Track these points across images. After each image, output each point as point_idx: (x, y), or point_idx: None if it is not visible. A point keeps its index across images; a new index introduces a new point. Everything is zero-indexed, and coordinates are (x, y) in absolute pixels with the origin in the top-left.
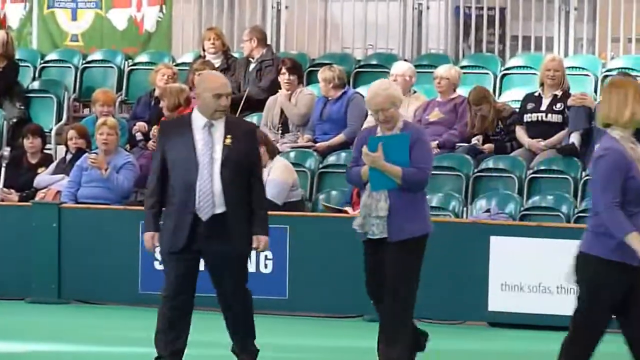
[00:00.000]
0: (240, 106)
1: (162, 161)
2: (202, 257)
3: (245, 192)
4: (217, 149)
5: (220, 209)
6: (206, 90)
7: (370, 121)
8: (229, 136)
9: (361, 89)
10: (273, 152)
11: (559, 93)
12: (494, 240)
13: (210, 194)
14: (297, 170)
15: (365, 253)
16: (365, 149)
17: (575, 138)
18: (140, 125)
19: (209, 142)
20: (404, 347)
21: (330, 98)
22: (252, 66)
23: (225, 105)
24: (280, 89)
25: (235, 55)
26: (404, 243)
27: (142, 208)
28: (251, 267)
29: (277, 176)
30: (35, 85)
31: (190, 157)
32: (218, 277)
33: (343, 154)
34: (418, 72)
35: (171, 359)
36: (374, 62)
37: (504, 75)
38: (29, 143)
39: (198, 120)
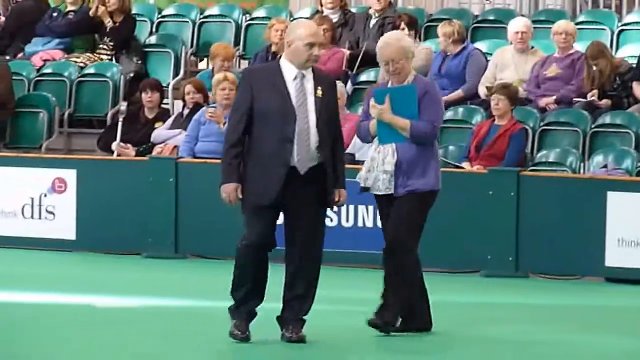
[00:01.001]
0: (358, 61)
1: (249, 110)
2: (288, 209)
3: (332, 145)
4: (310, 101)
5: (315, 162)
6: (298, 38)
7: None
8: (319, 88)
9: (479, 45)
10: None
11: None
12: (611, 195)
13: (308, 146)
14: None
15: (377, 207)
16: (372, 101)
17: None
18: None
19: (303, 93)
20: (395, 307)
21: (449, 53)
22: (372, 21)
23: (317, 55)
24: None
25: (353, 10)
26: (408, 197)
27: None
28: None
29: None
30: (153, 39)
31: (286, 109)
32: (306, 231)
33: (461, 109)
34: (535, 27)
35: (248, 310)
36: (491, 17)
37: (621, 31)
38: (147, 97)
39: (288, 70)
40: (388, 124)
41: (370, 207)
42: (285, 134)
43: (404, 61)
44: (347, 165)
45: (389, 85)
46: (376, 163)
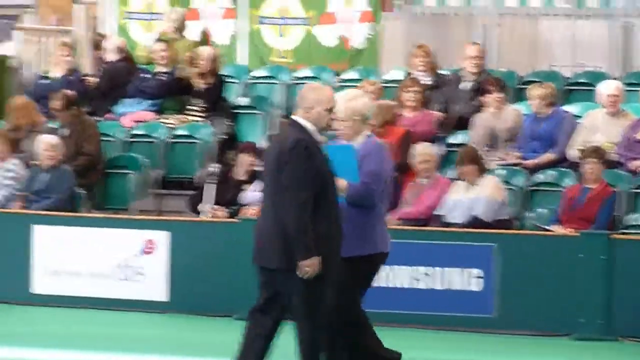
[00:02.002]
0: (449, 123)
1: (318, 177)
2: None
3: None
4: None
5: None
6: (320, 103)
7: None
8: None
9: (570, 107)
10: (482, 170)
11: None
12: None
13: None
14: (505, 188)
15: None
16: None
17: None
18: None
19: None
20: None
21: (540, 115)
22: (463, 84)
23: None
24: (487, 106)
25: (444, 72)
26: (350, 260)
27: None
28: (459, 285)
29: (487, 194)
30: (243, 101)
31: (331, 174)
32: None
33: (551, 172)
34: (626, 90)
35: None
36: (582, 80)
37: None
38: (247, 160)
39: (316, 134)
40: None
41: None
42: (336, 200)
43: (351, 122)
44: (437, 228)
45: (336, 143)
46: None
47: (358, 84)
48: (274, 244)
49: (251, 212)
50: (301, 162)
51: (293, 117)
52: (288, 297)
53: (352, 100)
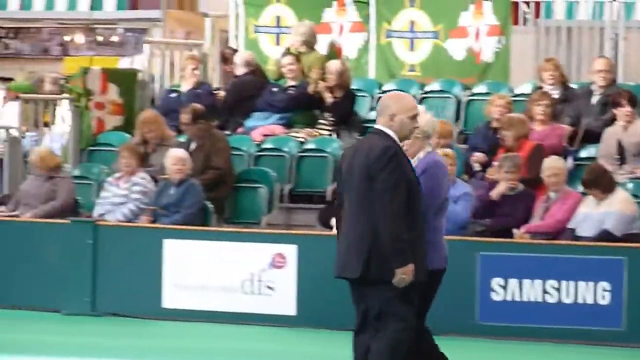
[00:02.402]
0: (579, 137)
1: (406, 185)
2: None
3: None
4: None
5: None
6: (403, 111)
7: None
8: None
9: None
10: (609, 189)
11: None
12: None
13: None
14: (636, 202)
15: None
16: None
17: None
18: (479, 156)
19: None
20: None
21: None
22: (594, 98)
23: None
24: (617, 120)
25: (574, 86)
26: None
27: (480, 239)
28: (589, 298)
29: (617, 208)
30: (373, 115)
31: (417, 183)
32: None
33: None
34: None
35: None
36: None
37: None
38: None
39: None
40: None
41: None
42: (420, 209)
43: (413, 139)
44: (567, 241)
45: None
46: None
47: (488, 98)
48: (362, 253)
49: None
50: (393, 170)
51: (376, 126)
52: (374, 307)
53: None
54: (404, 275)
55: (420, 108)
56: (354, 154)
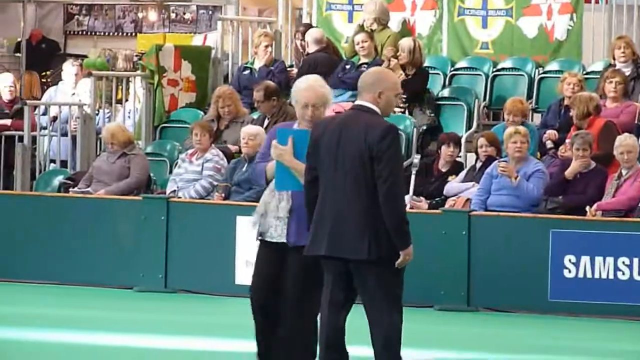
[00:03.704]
0: None
1: None
2: None
3: None
4: None
5: None
6: (390, 88)
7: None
8: None
9: None
10: None
11: None
12: None
13: None
14: None
15: (258, 255)
16: (275, 141)
17: None
18: (550, 133)
19: None
20: None
21: None
22: None
23: None
24: None
25: None
26: (298, 249)
27: (552, 216)
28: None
29: None
30: (446, 92)
31: None
32: None
33: None
34: None
35: None
36: None
37: None
38: (449, 151)
39: None
40: (287, 168)
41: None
42: None
43: (323, 108)
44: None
45: (295, 127)
46: (268, 208)
47: (560, 75)
48: (365, 234)
49: (457, 202)
50: (397, 150)
51: (362, 102)
52: (371, 288)
53: (323, 87)
54: (408, 256)
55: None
56: (340, 130)
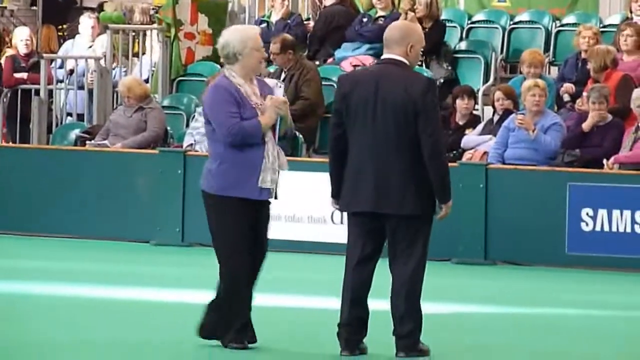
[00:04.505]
0: None
1: None
2: None
3: None
4: None
5: None
6: (419, 42)
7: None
8: None
9: None
10: None
11: None
12: None
13: None
14: None
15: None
16: (274, 96)
17: None
18: (567, 86)
19: None
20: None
21: None
22: None
23: None
24: None
25: None
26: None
27: (569, 169)
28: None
29: None
30: (462, 45)
31: None
32: None
33: None
34: None
35: None
36: None
37: None
38: (463, 104)
39: None
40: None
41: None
42: None
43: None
44: None
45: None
46: (277, 163)
47: (577, 29)
48: (409, 189)
49: (475, 155)
50: (437, 105)
51: (392, 56)
52: (407, 242)
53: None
54: (448, 209)
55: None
56: (376, 84)
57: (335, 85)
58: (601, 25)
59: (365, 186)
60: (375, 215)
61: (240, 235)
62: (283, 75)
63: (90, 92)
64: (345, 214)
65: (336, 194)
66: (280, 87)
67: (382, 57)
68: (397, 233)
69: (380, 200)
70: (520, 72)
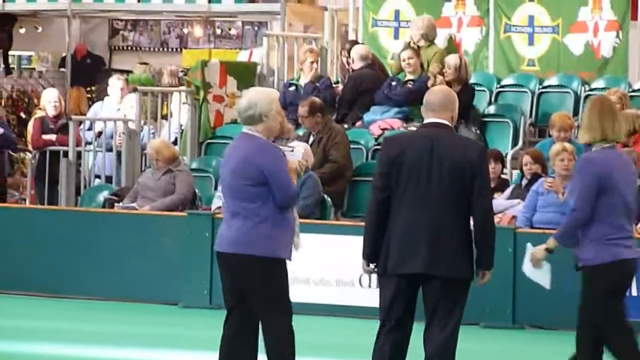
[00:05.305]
0: None
1: None
2: None
3: None
4: None
5: None
6: (457, 110)
7: None
8: None
9: None
10: None
11: None
12: None
13: None
14: None
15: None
16: (297, 159)
17: None
18: None
19: None
20: None
21: None
22: None
23: None
24: None
25: None
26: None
27: None
28: None
29: None
30: (491, 109)
31: None
32: None
33: None
34: None
35: None
36: None
37: None
38: (491, 168)
39: None
40: None
41: None
42: None
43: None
44: None
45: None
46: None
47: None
48: (460, 252)
49: (503, 219)
50: (489, 173)
51: (440, 120)
52: (448, 305)
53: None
54: (489, 275)
55: None
56: (431, 146)
57: (363, 148)
58: (630, 90)
59: (415, 248)
60: (423, 277)
61: None
62: (312, 139)
63: (119, 154)
64: (373, 276)
65: (372, 257)
66: (292, 151)
67: (427, 121)
68: (439, 296)
69: (433, 262)
70: (549, 136)
